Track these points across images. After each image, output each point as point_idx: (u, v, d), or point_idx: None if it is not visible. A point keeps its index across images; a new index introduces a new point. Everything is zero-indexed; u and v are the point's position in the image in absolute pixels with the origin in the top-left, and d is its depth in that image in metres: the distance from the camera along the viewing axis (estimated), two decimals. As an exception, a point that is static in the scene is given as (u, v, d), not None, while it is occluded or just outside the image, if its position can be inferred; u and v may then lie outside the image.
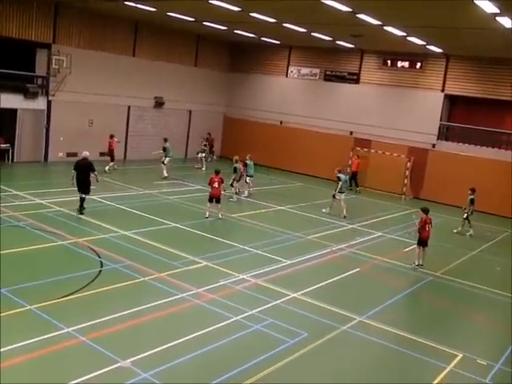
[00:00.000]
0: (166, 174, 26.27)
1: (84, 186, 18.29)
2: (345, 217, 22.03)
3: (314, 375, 9.53)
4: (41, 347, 9.16)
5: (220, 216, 19.56)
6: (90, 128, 28.67)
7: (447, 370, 10.23)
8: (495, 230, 23.66)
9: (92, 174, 18.43)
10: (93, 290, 11.87)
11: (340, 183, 22.18)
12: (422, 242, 16.54)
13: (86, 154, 18.78)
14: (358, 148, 30.92)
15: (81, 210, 18.20)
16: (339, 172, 22.77)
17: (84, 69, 27.57)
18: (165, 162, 26.58)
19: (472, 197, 21.67)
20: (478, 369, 10.43)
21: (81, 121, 28.28)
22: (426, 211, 16.60)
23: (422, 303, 14.42)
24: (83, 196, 18.32)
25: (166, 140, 27.25)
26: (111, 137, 26.85)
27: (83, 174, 18.27)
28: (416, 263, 16.55)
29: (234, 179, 23.47)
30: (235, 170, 23.51)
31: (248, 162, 24.60)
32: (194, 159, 31.71)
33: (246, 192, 24.35)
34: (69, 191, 20.67)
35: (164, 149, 26.74)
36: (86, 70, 27.77)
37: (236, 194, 23.81)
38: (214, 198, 19.44)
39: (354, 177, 29.58)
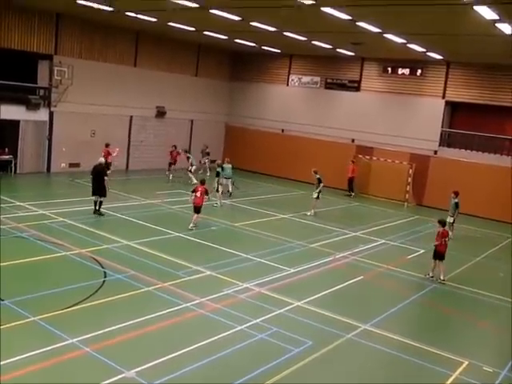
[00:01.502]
0: (195, 181, 26.61)
1: (99, 189, 19.58)
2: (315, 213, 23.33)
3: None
4: (44, 359, 9.14)
5: (190, 226, 18.87)
6: (92, 138, 28.69)
7: (453, 377, 10.19)
8: (497, 235, 23.61)
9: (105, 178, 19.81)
10: (97, 301, 11.86)
11: (321, 184, 23.49)
12: (438, 256, 16.02)
13: (101, 159, 20.62)
14: (360, 156, 30.96)
15: (98, 212, 19.53)
16: (316, 173, 23.57)
17: (86, 79, 27.67)
18: (192, 171, 28.22)
19: (456, 200, 21.41)
20: (484, 376, 10.40)
21: (83, 131, 28.33)
22: (443, 224, 16.11)
23: (427, 310, 14.36)
24: (100, 200, 19.60)
25: (186, 151, 29.51)
26: (107, 146, 26.67)
27: (98, 177, 19.63)
28: (430, 274, 16.13)
29: (217, 183, 23.74)
30: (218, 174, 24.18)
31: (225, 165, 25.18)
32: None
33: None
34: (71, 202, 20.82)
35: (188, 158, 28.53)
36: (88, 81, 27.88)
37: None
38: (196, 208, 19.14)
39: (350, 182, 29.98)
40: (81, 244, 15.74)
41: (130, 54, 30.47)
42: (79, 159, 27.95)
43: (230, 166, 25.38)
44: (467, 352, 11.39)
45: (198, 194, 19.12)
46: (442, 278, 16.07)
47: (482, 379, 10.23)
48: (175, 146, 29.62)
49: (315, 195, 23.50)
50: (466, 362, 10.82)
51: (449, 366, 10.62)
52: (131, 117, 30.94)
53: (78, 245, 15.61)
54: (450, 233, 21.45)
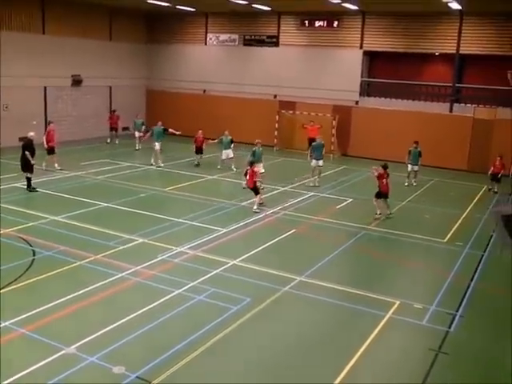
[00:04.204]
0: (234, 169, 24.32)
1: (23, 165, 19.04)
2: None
3: (261, 337, 9.70)
4: (-22, 344, 8.86)
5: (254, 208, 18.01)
6: (6, 113, 27.37)
7: (386, 317, 10.65)
8: (420, 179, 24.43)
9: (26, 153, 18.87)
10: (28, 280, 11.52)
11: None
12: (381, 195, 17.67)
13: (29, 133, 19.38)
14: (284, 111, 31.08)
15: (29, 188, 19.01)
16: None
17: (-9, 51, 26.20)
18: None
19: (419, 149, 22.86)
20: (415, 313, 10.92)
21: (-6, 106, 27.01)
22: (385, 167, 17.79)
23: (359, 257, 14.81)
24: (27, 176, 19.05)
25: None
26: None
27: (22, 153, 19.04)
28: (378, 212, 17.68)
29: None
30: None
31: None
32: (120, 136, 30.93)
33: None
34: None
35: (221, 140, 24.54)
36: (-6, 52, 26.42)
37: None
38: (252, 189, 18.12)
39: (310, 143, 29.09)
40: (5, 224, 15.11)
41: (37, 20, 28.92)
42: (-5, 136, 26.70)
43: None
44: (398, 293, 11.91)
45: (247, 176, 18.11)
46: (388, 212, 17.85)
47: (413, 316, 10.76)
48: (114, 111, 28.98)
49: (321, 162, 22.01)
50: (398, 302, 11.32)
51: (382, 307, 11.08)
52: (45, 88, 29.63)
53: (1, 225, 14.98)
54: (413, 180, 23.22)
